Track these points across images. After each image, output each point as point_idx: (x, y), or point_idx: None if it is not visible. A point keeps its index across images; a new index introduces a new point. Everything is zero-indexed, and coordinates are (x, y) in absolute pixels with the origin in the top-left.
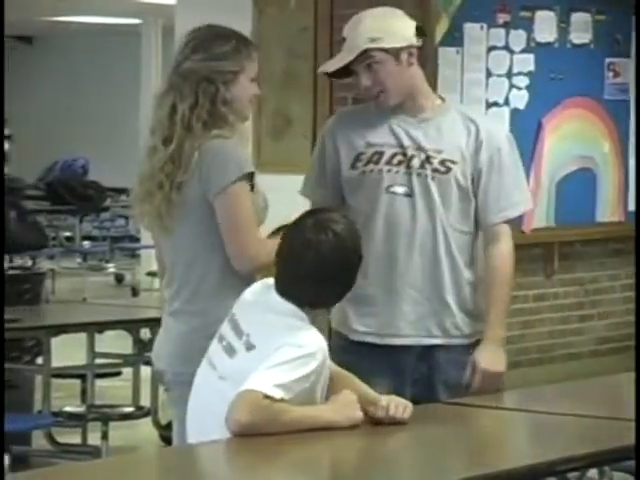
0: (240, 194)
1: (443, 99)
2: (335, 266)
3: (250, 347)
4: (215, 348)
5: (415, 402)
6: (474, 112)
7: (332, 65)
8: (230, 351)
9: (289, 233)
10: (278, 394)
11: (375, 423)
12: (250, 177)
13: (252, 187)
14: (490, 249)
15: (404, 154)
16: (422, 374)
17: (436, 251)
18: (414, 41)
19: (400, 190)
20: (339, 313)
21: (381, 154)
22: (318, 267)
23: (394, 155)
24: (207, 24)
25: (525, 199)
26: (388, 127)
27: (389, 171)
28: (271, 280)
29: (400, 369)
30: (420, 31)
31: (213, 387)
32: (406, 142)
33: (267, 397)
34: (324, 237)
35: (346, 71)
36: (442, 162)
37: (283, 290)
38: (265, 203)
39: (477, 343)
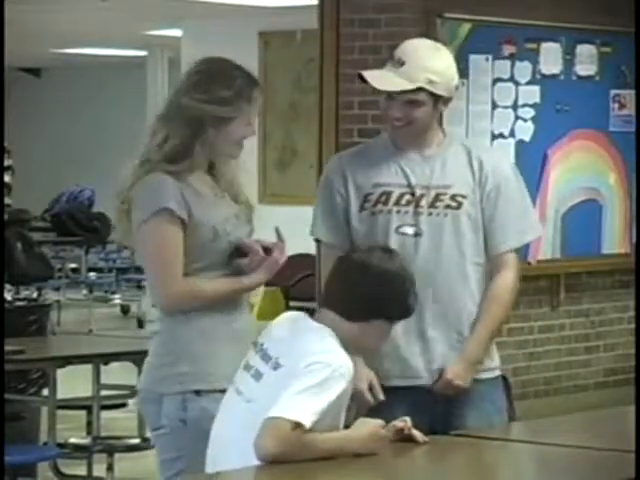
0: (151, 232)
1: (444, 133)
2: (380, 282)
3: (277, 367)
4: (242, 377)
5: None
6: (476, 145)
7: (380, 82)
8: (257, 376)
9: (343, 259)
10: (308, 422)
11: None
12: (171, 213)
13: (183, 222)
14: (494, 277)
15: (412, 194)
16: (439, 411)
17: (452, 289)
18: (454, 92)
19: (409, 231)
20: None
21: (389, 194)
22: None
23: (402, 195)
24: (218, 57)
25: (531, 228)
26: (395, 166)
27: (398, 212)
28: (295, 314)
29: (418, 408)
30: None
31: (238, 412)
32: (414, 181)
33: (297, 425)
34: (381, 255)
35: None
36: (453, 197)
37: (326, 300)
38: (214, 235)
39: (494, 379)
